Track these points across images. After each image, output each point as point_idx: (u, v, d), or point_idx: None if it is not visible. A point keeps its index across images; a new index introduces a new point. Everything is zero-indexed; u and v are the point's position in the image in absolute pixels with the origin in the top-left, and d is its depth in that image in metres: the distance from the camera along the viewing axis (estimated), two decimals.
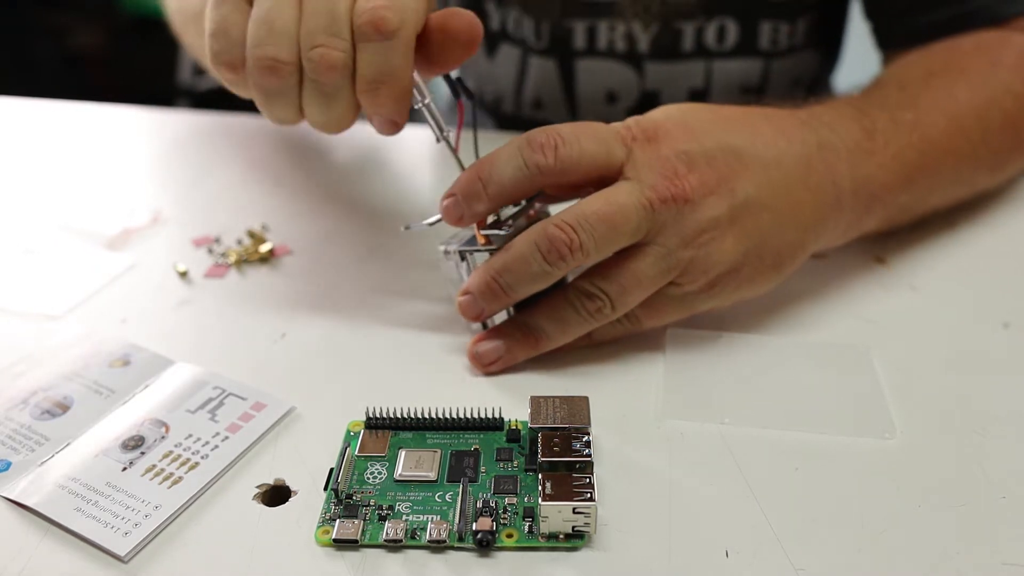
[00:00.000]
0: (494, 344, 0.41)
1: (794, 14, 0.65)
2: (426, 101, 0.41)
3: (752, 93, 0.68)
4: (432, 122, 0.41)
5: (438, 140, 0.42)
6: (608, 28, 0.65)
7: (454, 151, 0.42)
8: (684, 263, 0.39)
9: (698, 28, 0.64)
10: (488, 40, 0.71)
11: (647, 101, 0.68)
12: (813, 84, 0.72)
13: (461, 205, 0.40)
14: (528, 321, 0.41)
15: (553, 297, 0.41)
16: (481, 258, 0.41)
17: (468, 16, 0.39)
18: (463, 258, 0.42)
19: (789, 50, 0.66)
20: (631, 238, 0.39)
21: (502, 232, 0.40)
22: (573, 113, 0.71)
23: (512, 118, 0.74)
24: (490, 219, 0.42)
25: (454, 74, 0.43)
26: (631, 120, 0.41)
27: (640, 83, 0.67)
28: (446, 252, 0.42)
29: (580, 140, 0.39)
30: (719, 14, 0.63)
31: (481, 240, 0.41)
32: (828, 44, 0.72)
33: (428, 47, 0.40)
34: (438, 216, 0.41)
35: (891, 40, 0.60)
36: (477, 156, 0.41)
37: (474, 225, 0.41)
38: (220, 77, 0.40)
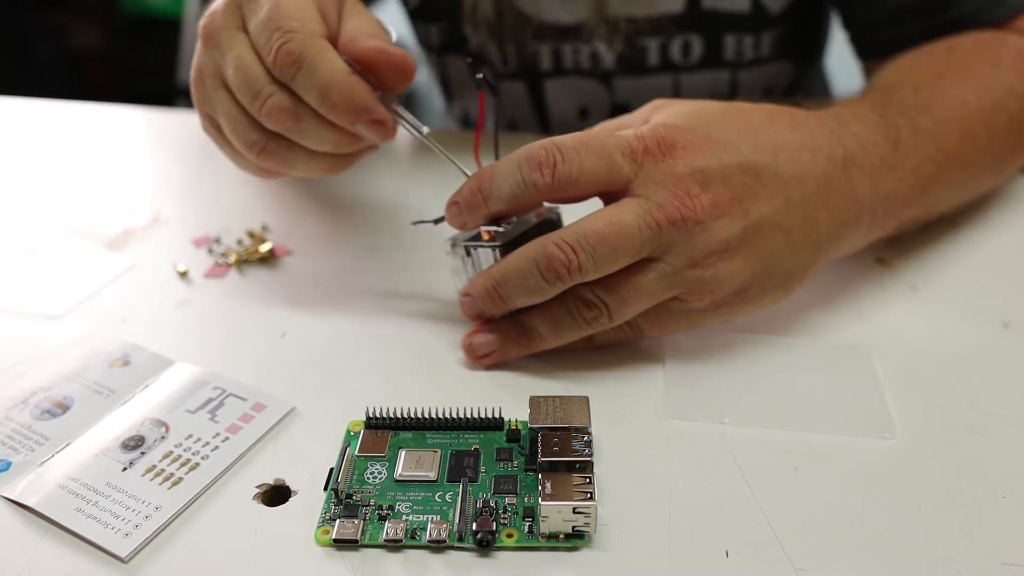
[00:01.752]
0: (488, 338, 0.41)
1: (758, 27, 0.64)
2: (393, 105, 0.42)
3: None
4: (405, 124, 0.42)
5: (418, 139, 0.42)
6: (572, 50, 0.65)
7: (435, 146, 0.42)
8: (690, 282, 0.39)
9: (662, 44, 0.64)
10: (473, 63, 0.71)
11: (618, 114, 0.68)
12: (789, 91, 0.71)
13: (464, 213, 0.40)
14: (524, 320, 0.41)
15: (552, 300, 0.40)
16: (485, 253, 0.41)
17: (398, 57, 0.42)
18: (468, 253, 0.42)
19: (755, 61, 0.66)
20: (633, 257, 0.38)
21: (503, 228, 0.40)
22: (546, 131, 0.71)
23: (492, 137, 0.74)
24: None
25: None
26: (646, 129, 0.39)
27: (609, 97, 0.67)
28: (452, 245, 0.43)
29: (581, 156, 0.38)
30: (682, 31, 0.63)
31: (486, 236, 0.41)
32: (802, 55, 0.71)
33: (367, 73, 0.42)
34: (442, 215, 0.42)
35: (872, 51, 0.60)
36: (497, 156, 0.41)
37: None
38: None
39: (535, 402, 0.35)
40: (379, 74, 0.42)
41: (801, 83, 0.73)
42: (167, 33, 1.99)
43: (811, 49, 0.73)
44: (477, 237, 0.42)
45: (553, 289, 0.39)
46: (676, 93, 0.66)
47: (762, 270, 0.40)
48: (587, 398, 0.36)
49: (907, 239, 0.51)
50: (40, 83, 2.02)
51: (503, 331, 0.41)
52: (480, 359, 0.42)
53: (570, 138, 0.39)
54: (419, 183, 0.60)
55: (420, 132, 0.42)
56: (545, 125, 0.71)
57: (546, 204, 0.42)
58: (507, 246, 0.40)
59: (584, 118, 0.69)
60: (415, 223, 0.44)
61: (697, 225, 0.38)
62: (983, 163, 0.50)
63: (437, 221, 0.42)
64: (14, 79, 1.98)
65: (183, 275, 0.49)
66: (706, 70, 0.65)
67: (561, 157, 0.38)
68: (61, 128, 0.69)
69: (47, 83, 2.04)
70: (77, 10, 2.16)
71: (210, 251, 0.52)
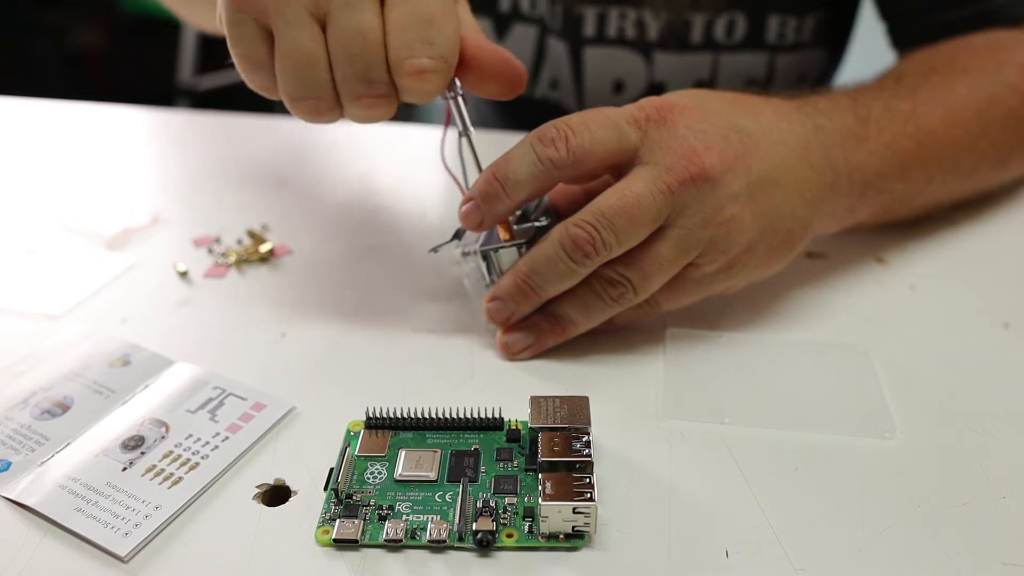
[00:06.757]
0: (523, 334, 0.42)
1: (803, 9, 0.65)
2: (455, 95, 0.40)
3: (757, 87, 0.68)
4: (458, 117, 0.41)
5: (460, 135, 0.42)
6: (619, 15, 0.65)
7: (473, 150, 0.42)
8: (704, 243, 0.40)
9: (708, 21, 0.64)
10: (498, 22, 0.70)
11: (653, 93, 0.68)
12: (817, 83, 0.72)
13: (481, 209, 0.40)
14: (554, 310, 0.42)
15: (578, 285, 0.41)
16: (507, 254, 0.41)
17: (515, 67, 0.40)
18: (485, 257, 0.42)
19: (795, 46, 0.67)
20: (652, 225, 0.39)
21: (525, 225, 0.40)
22: (580, 99, 0.71)
23: (524, 100, 0.74)
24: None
25: None
26: (643, 101, 0.41)
27: (648, 73, 0.68)
28: (465, 254, 0.42)
29: (590, 128, 0.39)
30: (729, 8, 0.64)
31: (504, 236, 0.41)
32: (835, 44, 0.72)
33: (465, 74, 0.40)
34: (457, 228, 0.42)
35: (907, 40, 0.60)
36: (476, 158, 0.41)
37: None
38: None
39: (535, 402, 0.35)
40: (482, 77, 0.40)
41: (829, 73, 0.74)
42: (167, 33, 1.99)
43: (844, 40, 0.74)
44: (490, 241, 0.41)
45: (582, 270, 0.40)
46: (714, 74, 0.67)
47: (767, 225, 0.41)
48: (587, 398, 0.36)
49: (906, 238, 0.51)
50: (40, 83, 2.02)
51: (536, 324, 0.42)
52: (517, 354, 0.42)
53: (575, 115, 0.40)
54: (419, 183, 0.60)
55: (467, 131, 0.41)
56: (579, 93, 0.71)
57: (543, 218, 0.42)
58: (527, 245, 0.41)
59: (619, 92, 0.69)
60: (433, 250, 0.43)
61: (706, 182, 0.39)
62: (979, 150, 0.50)
63: (455, 236, 0.42)
64: (14, 79, 1.98)
65: (183, 275, 0.49)
66: (747, 51, 0.66)
67: (572, 131, 0.39)
68: (61, 128, 0.69)
69: (47, 83, 2.04)
70: (77, 10, 2.16)
71: (210, 251, 0.52)
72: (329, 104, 0.38)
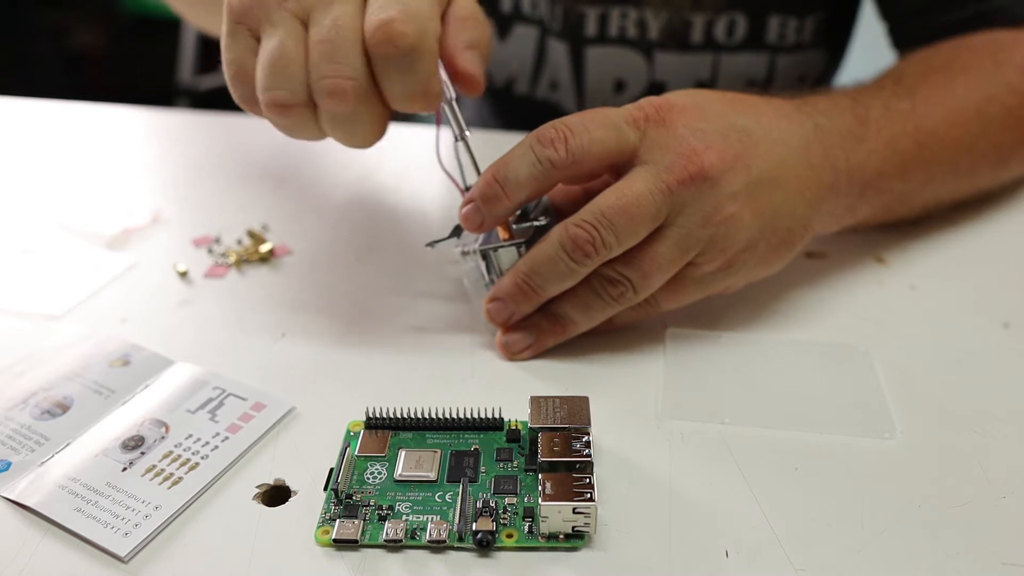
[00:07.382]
0: (523, 333, 0.42)
1: (803, 10, 0.65)
2: (449, 97, 0.40)
3: (757, 87, 0.68)
4: (452, 120, 0.41)
5: (456, 139, 0.42)
6: (620, 15, 0.65)
7: (470, 152, 0.42)
8: (703, 242, 0.40)
9: (708, 21, 0.65)
10: (500, 22, 0.70)
11: (654, 92, 0.68)
12: (817, 83, 0.72)
13: (481, 210, 0.40)
14: (554, 309, 0.42)
15: (578, 284, 0.41)
16: (507, 253, 0.41)
17: (476, 71, 0.40)
18: (484, 257, 0.42)
19: (796, 46, 0.67)
20: (653, 224, 0.39)
21: (524, 225, 0.40)
22: (581, 99, 0.71)
23: (525, 100, 0.74)
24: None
25: None
26: (642, 101, 0.41)
27: (649, 72, 0.68)
28: (464, 253, 0.42)
29: (589, 129, 0.39)
30: (730, 8, 0.64)
31: (504, 235, 0.41)
32: (836, 45, 0.72)
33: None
34: (456, 225, 0.42)
35: (907, 40, 0.61)
36: (472, 159, 0.42)
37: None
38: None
39: (535, 402, 0.35)
40: (453, 78, 0.41)
41: (829, 74, 0.74)
42: (167, 33, 2.00)
43: (844, 40, 0.74)
44: (490, 240, 0.41)
45: (582, 269, 0.40)
46: (715, 74, 0.67)
47: (767, 224, 0.41)
48: (587, 398, 0.36)
49: (906, 238, 0.51)
50: (40, 83, 2.02)
51: (536, 324, 0.42)
52: (517, 354, 0.42)
53: (574, 115, 0.40)
54: (420, 183, 0.60)
55: (463, 134, 0.41)
56: (580, 93, 0.71)
57: (542, 217, 0.43)
58: (526, 244, 0.41)
59: (620, 91, 0.69)
60: (430, 244, 0.43)
61: (705, 182, 0.39)
62: (978, 149, 0.50)
63: (453, 233, 0.42)
64: (14, 79, 1.98)
65: (183, 275, 0.49)
66: (747, 51, 0.66)
67: (570, 131, 0.39)
68: (61, 128, 0.69)
69: (47, 83, 2.04)
70: (77, 10, 2.16)
71: (210, 251, 0.52)
72: (297, 99, 0.37)
